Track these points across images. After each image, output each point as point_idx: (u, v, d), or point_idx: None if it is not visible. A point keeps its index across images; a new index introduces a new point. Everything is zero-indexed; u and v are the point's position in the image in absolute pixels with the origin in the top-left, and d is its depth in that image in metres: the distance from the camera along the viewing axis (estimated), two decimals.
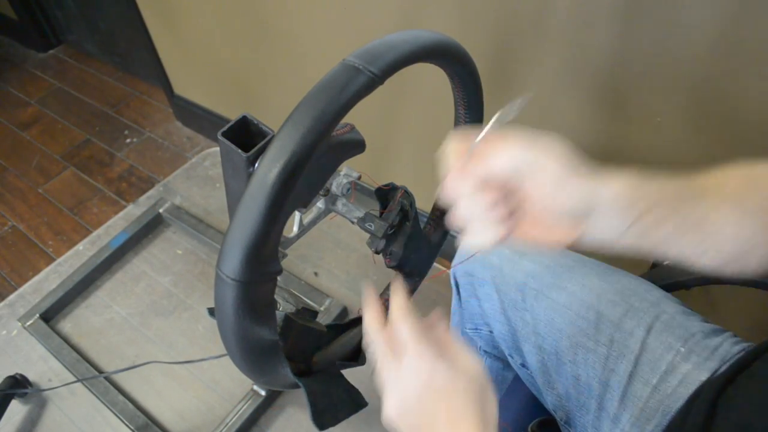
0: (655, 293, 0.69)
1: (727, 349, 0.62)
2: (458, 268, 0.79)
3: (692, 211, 0.44)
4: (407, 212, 0.62)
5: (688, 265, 0.46)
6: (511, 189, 0.44)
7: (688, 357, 0.62)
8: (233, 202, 0.55)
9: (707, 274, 0.68)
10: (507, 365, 0.84)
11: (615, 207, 0.43)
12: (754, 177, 0.47)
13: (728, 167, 0.48)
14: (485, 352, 0.83)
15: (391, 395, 0.44)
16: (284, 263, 0.53)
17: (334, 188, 0.63)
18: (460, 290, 0.81)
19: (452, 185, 0.43)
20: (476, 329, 0.81)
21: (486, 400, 0.43)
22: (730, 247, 0.44)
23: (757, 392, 0.51)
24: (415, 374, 0.43)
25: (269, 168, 0.40)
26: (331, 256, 1.58)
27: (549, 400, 0.72)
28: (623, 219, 0.43)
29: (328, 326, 0.61)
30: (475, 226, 0.44)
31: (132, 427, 1.27)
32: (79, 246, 1.69)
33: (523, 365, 0.75)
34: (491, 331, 0.78)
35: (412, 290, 0.74)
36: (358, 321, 0.66)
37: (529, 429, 0.73)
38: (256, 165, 0.46)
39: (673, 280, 0.75)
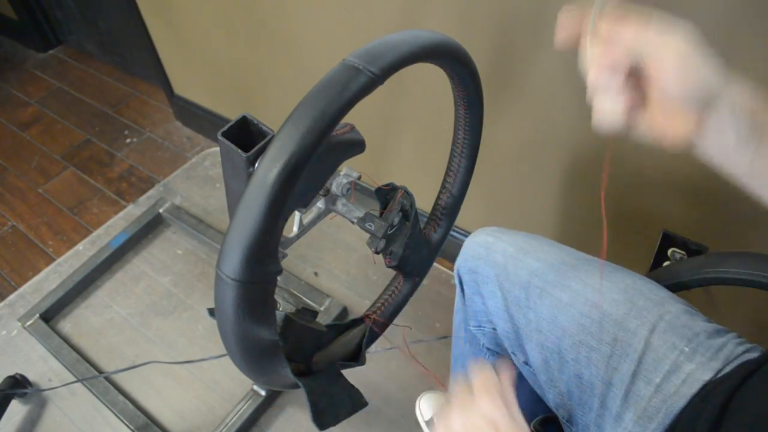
0: (659, 293, 0.69)
1: (731, 349, 0.62)
2: (462, 265, 0.79)
3: None
4: (407, 212, 0.62)
5: None
6: (636, 72, 0.43)
7: (692, 357, 0.62)
8: (233, 202, 0.55)
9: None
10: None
11: (737, 108, 0.41)
12: None
13: None
14: (488, 349, 0.83)
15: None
16: (284, 263, 0.53)
17: (334, 188, 0.63)
18: (464, 288, 0.81)
19: (588, 54, 0.43)
20: (479, 327, 0.81)
21: None
22: None
23: None
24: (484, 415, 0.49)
25: (269, 168, 0.40)
26: (331, 256, 1.58)
27: (551, 398, 0.72)
28: (743, 125, 0.42)
29: (328, 326, 0.61)
30: (605, 98, 0.43)
31: (132, 427, 1.27)
32: (79, 246, 1.69)
33: (526, 363, 0.75)
34: (494, 329, 0.78)
35: (412, 290, 0.74)
36: (358, 321, 0.66)
37: (532, 427, 0.73)
38: (256, 165, 0.46)
39: (674, 280, 0.75)
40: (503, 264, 0.75)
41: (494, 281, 0.75)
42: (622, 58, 0.42)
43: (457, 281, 0.82)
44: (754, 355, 0.61)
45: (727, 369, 0.60)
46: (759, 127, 0.42)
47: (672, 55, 0.41)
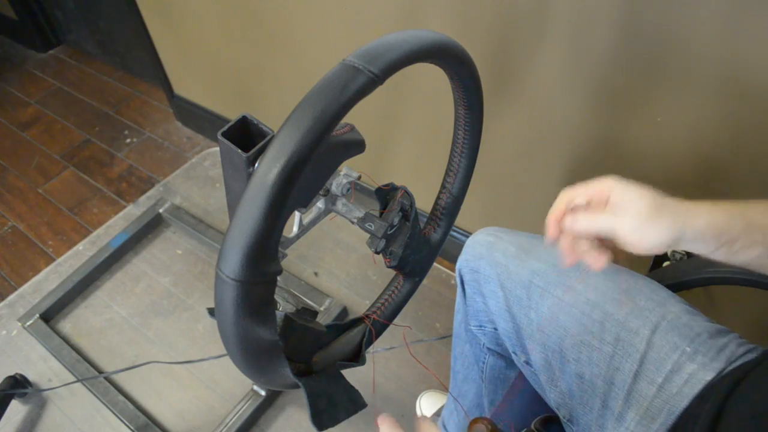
0: (661, 293, 0.69)
1: (732, 349, 0.62)
2: (464, 264, 0.79)
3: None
4: (407, 212, 0.62)
5: None
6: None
7: (693, 357, 0.62)
8: (233, 202, 0.55)
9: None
10: (510, 363, 0.84)
11: (700, 238, 0.50)
12: None
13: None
14: (489, 349, 0.83)
15: None
16: (284, 263, 0.53)
17: (334, 188, 0.63)
18: (465, 287, 0.81)
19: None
20: (480, 326, 0.81)
21: None
22: None
23: None
24: None
25: (269, 168, 0.40)
26: (331, 256, 1.58)
27: (552, 398, 0.72)
28: (708, 246, 0.51)
29: (328, 326, 0.61)
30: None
31: (132, 427, 1.27)
32: (79, 246, 1.69)
33: (527, 362, 0.75)
34: (495, 329, 0.78)
35: (412, 290, 0.74)
36: (358, 321, 0.66)
37: (532, 426, 0.73)
38: (256, 165, 0.46)
39: (674, 280, 0.75)
40: (505, 263, 0.75)
41: (495, 281, 0.75)
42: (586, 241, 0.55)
43: (458, 280, 0.82)
44: (755, 355, 0.61)
45: (730, 369, 0.60)
46: (725, 242, 0.50)
47: (632, 223, 0.51)
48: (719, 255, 0.51)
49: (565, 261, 0.56)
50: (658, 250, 0.51)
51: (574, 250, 0.56)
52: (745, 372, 0.57)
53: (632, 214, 0.50)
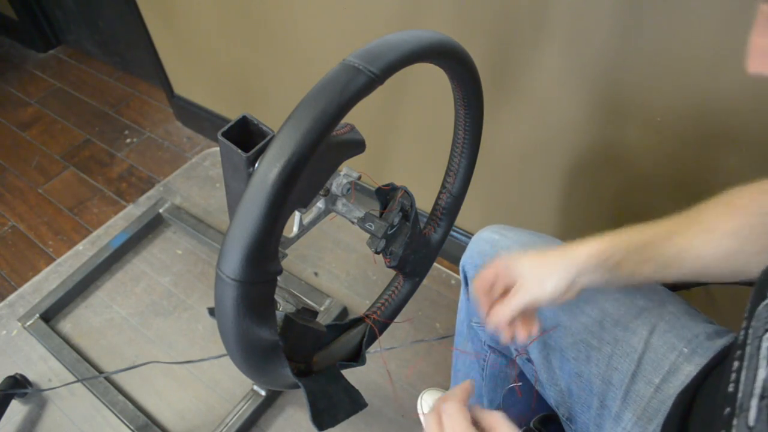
0: (660, 293, 0.69)
1: None
2: (467, 261, 0.80)
3: (669, 249, 0.56)
4: (407, 212, 0.62)
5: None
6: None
7: (690, 358, 0.62)
8: (233, 202, 0.55)
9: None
10: (510, 362, 0.84)
11: (590, 269, 0.57)
12: (731, 204, 0.57)
13: (705, 203, 0.58)
14: (489, 347, 0.83)
15: None
16: (284, 263, 0.53)
17: (334, 188, 0.63)
18: (469, 284, 0.81)
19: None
20: (481, 324, 0.81)
21: None
22: (712, 260, 0.56)
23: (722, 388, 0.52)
24: None
25: (269, 168, 0.40)
26: (331, 256, 1.58)
27: (552, 396, 0.72)
28: (601, 274, 0.57)
29: (328, 326, 0.61)
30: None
31: (132, 427, 1.27)
32: (79, 246, 1.69)
33: (528, 360, 0.75)
34: None
35: (412, 290, 0.74)
36: (358, 321, 0.66)
37: (532, 425, 0.73)
38: (256, 165, 0.46)
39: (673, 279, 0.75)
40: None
41: None
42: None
43: (462, 277, 0.83)
44: None
45: (697, 372, 0.61)
46: (612, 266, 0.57)
47: (528, 283, 0.59)
48: (617, 281, 0.58)
49: (504, 339, 0.63)
50: (562, 299, 0.59)
51: (511, 330, 0.63)
52: (713, 366, 0.59)
53: (530, 286, 0.58)
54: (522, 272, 0.59)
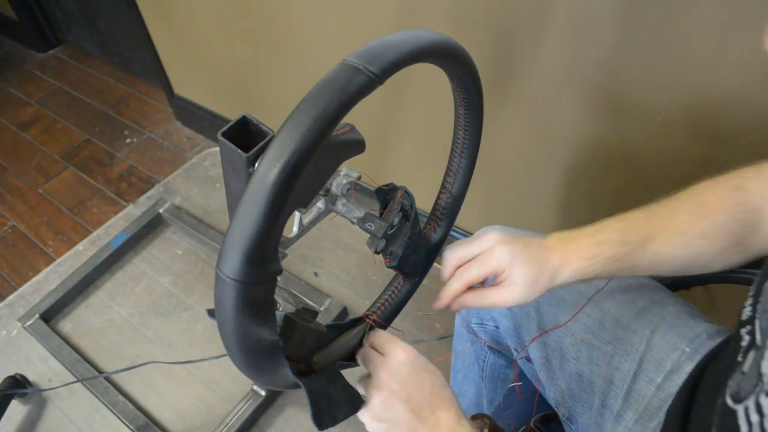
0: (661, 293, 0.69)
1: None
2: None
3: (645, 256, 0.58)
4: (407, 212, 0.62)
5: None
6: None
7: (692, 357, 0.62)
8: (233, 202, 0.55)
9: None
10: (510, 362, 0.84)
11: (570, 282, 0.59)
12: (703, 205, 0.59)
13: (679, 196, 0.61)
14: (489, 348, 0.83)
15: (385, 370, 0.53)
16: (284, 263, 0.53)
17: (334, 188, 0.63)
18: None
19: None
20: (481, 324, 0.81)
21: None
22: (680, 263, 0.59)
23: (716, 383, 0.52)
24: (405, 357, 0.53)
25: (269, 168, 0.40)
26: (331, 256, 1.58)
27: (552, 396, 0.72)
28: (580, 279, 0.59)
29: (328, 326, 0.61)
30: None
31: (132, 427, 1.27)
32: (79, 246, 1.69)
33: (528, 360, 0.75)
34: (497, 326, 0.78)
35: (412, 290, 0.74)
36: (358, 321, 0.66)
37: (532, 425, 0.73)
38: (256, 165, 0.46)
39: (674, 279, 0.75)
40: None
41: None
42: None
43: None
44: None
45: (693, 366, 0.61)
46: (595, 276, 0.58)
47: (510, 303, 0.59)
48: (592, 281, 0.61)
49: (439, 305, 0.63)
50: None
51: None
52: (708, 360, 0.59)
53: (518, 294, 0.58)
54: (511, 268, 0.57)
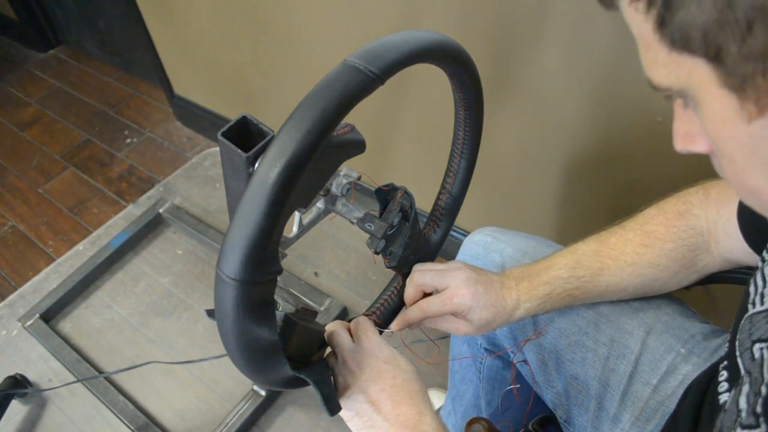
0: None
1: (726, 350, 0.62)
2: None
3: (596, 288, 0.63)
4: (407, 213, 0.62)
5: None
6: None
7: (687, 358, 0.62)
8: (233, 202, 0.55)
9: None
10: (507, 364, 0.84)
11: (527, 316, 0.65)
12: (647, 234, 0.62)
13: (627, 225, 0.64)
14: (485, 349, 0.83)
15: (349, 353, 0.55)
16: (284, 263, 0.53)
17: (334, 188, 0.63)
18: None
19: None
20: None
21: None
22: (632, 290, 0.64)
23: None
24: (369, 347, 0.55)
25: (269, 168, 0.40)
26: (331, 256, 1.58)
27: (549, 399, 0.72)
28: (534, 315, 0.66)
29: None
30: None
31: (132, 427, 1.27)
32: (79, 246, 1.69)
33: (524, 362, 0.75)
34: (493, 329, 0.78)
35: None
36: None
37: (530, 427, 0.73)
38: (256, 165, 0.46)
39: None
40: (501, 264, 0.75)
41: None
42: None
43: None
44: None
45: (708, 366, 0.61)
46: (547, 310, 0.65)
47: (463, 333, 0.64)
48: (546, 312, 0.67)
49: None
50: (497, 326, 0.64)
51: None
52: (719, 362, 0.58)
53: (472, 330, 0.63)
54: (470, 310, 0.61)
